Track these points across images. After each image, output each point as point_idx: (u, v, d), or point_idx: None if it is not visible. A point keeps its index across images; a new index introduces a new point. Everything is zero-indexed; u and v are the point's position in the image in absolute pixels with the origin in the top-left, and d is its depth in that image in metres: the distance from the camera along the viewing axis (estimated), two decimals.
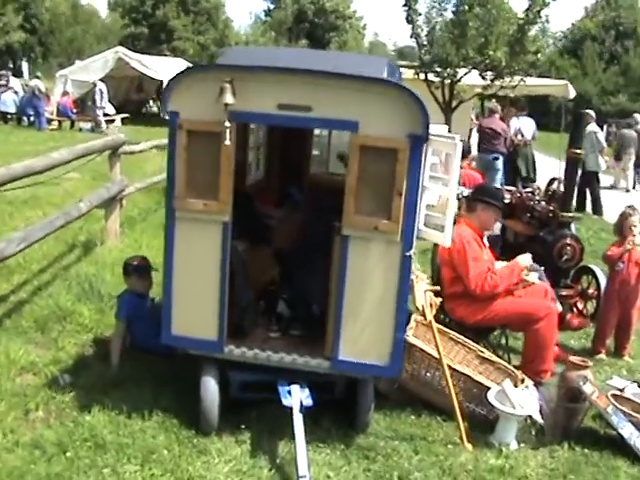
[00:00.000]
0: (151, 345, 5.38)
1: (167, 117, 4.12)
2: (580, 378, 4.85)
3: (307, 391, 4.35)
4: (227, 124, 3.93)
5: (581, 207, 14.29)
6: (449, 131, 9.99)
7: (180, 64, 25.53)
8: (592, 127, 14.57)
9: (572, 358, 5.19)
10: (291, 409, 4.23)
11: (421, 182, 4.03)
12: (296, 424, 4.15)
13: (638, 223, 6.31)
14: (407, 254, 4.06)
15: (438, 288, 4.51)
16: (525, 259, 5.69)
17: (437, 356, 4.84)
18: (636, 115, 17.40)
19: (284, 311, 4.89)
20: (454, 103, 10.76)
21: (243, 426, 4.49)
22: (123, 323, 5.40)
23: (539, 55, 10.48)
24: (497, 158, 12.70)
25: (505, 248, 7.50)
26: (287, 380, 4.44)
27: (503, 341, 6.06)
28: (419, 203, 4.06)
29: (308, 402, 4.28)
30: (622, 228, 6.39)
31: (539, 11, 9.81)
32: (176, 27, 38.13)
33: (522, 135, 13.35)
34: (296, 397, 4.28)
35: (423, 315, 4.37)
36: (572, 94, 14.51)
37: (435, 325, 4.40)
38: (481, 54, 9.97)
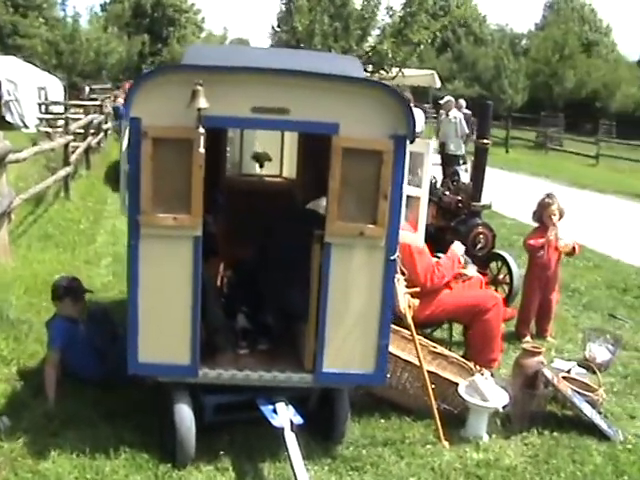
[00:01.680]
0: (88, 374, 4.98)
1: (128, 123, 3.76)
2: (539, 364, 4.97)
3: (292, 408, 4.15)
4: (201, 130, 3.65)
5: None
6: None
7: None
8: (454, 113, 15.13)
9: (524, 345, 5.32)
10: (282, 430, 4.01)
11: (405, 184, 3.93)
12: (290, 444, 3.94)
13: (557, 211, 6.54)
14: (392, 258, 3.95)
15: (418, 289, 4.44)
16: (459, 247, 5.77)
17: (402, 357, 4.81)
18: (461, 100, 17.93)
19: (245, 325, 4.65)
20: None
21: (222, 452, 4.22)
22: (57, 353, 4.91)
23: (421, 47, 10.67)
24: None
25: None
26: (265, 398, 4.22)
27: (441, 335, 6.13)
28: (403, 206, 3.95)
29: (298, 420, 4.09)
30: (542, 216, 6.60)
31: (421, 3, 9.99)
32: (17, 22, 35.92)
33: None
34: (284, 416, 4.07)
35: (404, 319, 4.28)
36: (438, 83, 14.98)
37: (414, 329, 4.32)
38: (363, 46, 10.00)
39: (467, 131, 15.01)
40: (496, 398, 4.68)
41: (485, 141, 7.24)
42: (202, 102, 3.60)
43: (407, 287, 4.31)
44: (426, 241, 7.56)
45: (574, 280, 8.93)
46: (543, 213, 6.59)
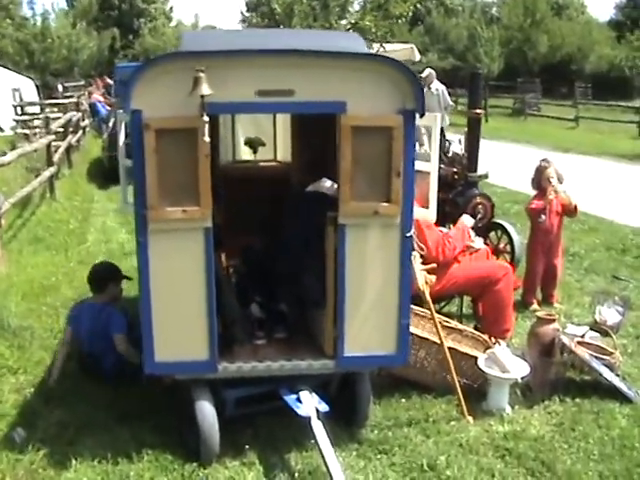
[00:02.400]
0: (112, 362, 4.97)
1: (129, 117, 3.65)
2: (555, 332, 4.93)
3: (316, 396, 4.07)
4: (205, 118, 3.54)
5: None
6: None
7: None
8: (436, 85, 14.97)
9: (538, 313, 5.27)
10: (308, 418, 3.93)
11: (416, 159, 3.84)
12: (317, 433, 3.87)
13: (554, 174, 6.49)
14: (407, 235, 3.87)
15: (435, 266, 4.36)
16: (468, 219, 5.70)
17: (419, 335, 4.75)
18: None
19: (259, 314, 4.56)
20: None
21: (247, 446, 4.14)
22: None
23: (401, 20, 10.53)
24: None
25: None
26: (287, 388, 4.14)
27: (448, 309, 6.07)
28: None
29: (324, 407, 4.02)
30: (540, 181, 6.54)
31: None
32: None
33: None
34: (309, 405, 3.99)
35: (423, 296, 4.21)
36: (417, 57, 14.85)
37: (431, 305, 4.25)
38: (344, 23, 9.86)
39: (450, 102, 14.89)
40: (516, 369, 4.64)
41: (478, 111, 7.17)
42: (205, 89, 3.49)
43: (423, 263, 4.23)
44: None
45: (573, 244, 8.91)
46: (541, 178, 6.54)
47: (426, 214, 4.11)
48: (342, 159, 3.71)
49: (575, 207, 6.57)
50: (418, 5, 10.66)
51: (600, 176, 14.98)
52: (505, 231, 7.48)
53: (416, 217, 4.54)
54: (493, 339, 5.12)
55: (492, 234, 7.68)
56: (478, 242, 5.77)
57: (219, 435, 4.01)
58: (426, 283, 4.19)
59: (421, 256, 4.18)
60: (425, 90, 13.45)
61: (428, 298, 4.20)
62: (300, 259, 4.23)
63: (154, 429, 4.37)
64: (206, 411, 3.98)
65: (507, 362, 4.61)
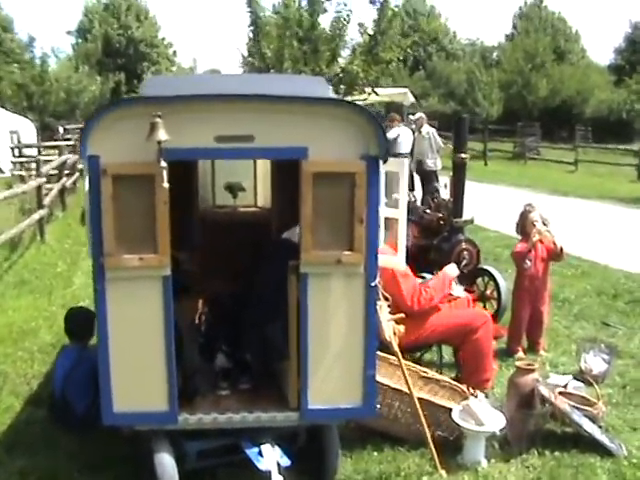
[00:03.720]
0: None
1: (85, 162, 3.58)
2: (534, 382, 4.79)
3: (279, 449, 3.94)
4: (163, 164, 3.47)
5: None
6: None
7: None
8: (427, 128, 15.01)
9: (518, 363, 5.13)
10: (269, 473, 3.79)
11: (382, 206, 3.76)
12: None
13: (539, 218, 6.41)
14: (372, 284, 3.77)
15: (402, 315, 4.25)
16: (452, 269, 5.58)
17: (392, 386, 4.62)
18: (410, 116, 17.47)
19: (225, 364, 4.44)
20: None
21: None
22: None
23: (393, 64, 10.55)
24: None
25: None
26: (250, 440, 4.00)
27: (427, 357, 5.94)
28: (380, 229, 3.78)
29: (285, 462, 3.89)
30: (524, 227, 6.46)
31: (390, 21, 9.89)
32: None
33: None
34: (271, 458, 3.86)
35: (387, 347, 4.09)
36: (411, 100, 14.91)
37: (400, 356, 4.12)
38: (333, 67, 9.88)
39: (442, 145, 14.90)
40: (492, 421, 4.49)
41: (463, 155, 7.13)
42: (162, 134, 3.42)
43: (391, 313, 4.12)
44: (410, 261, 7.49)
45: (563, 289, 8.78)
46: (525, 222, 6.46)
47: (395, 262, 4.00)
48: (303, 206, 3.63)
49: (561, 249, 6.45)
50: (412, 50, 10.65)
51: (597, 220, 14.89)
52: (492, 277, 7.38)
53: (389, 266, 4.47)
54: (471, 389, 4.97)
55: (479, 280, 7.58)
56: (458, 290, 5.66)
57: None
58: (394, 333, 4.07)
59: (388, 305, 4.07)
60: (416, 134, 13.57)
61: (396, 348, 4.08)
62: (268, 308, 4.13)
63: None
64: (165, 463, 3.86)
65: (482, 414, 4.47)
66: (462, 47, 51.97)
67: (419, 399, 4.64)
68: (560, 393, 5.01)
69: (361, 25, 10.04)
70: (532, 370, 4.93)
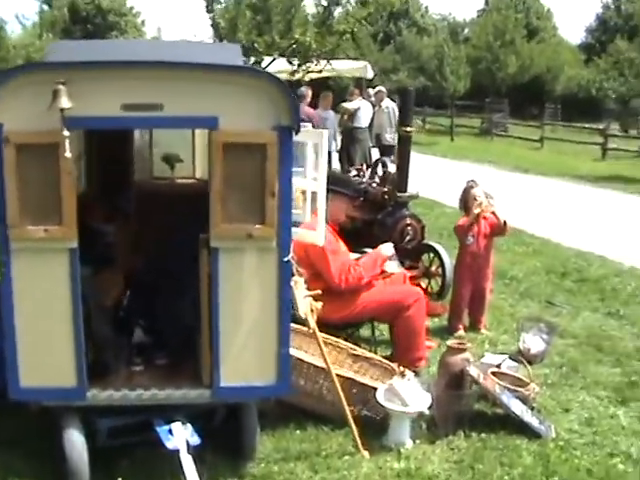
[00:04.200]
0: None
1: None
2: (464, 362, 4.70)
3: (190, 427, 3.82)
4: (66, 133, 3.29)
5: None
6: None
7: None
8: (387, 102, 14.87)
9: (449, 342, 5.05)
10: (177, 452, 3.67)
11: (292, 179, 3.62)
12: (186, 467, 3.62)
13: (481, 194, 6.31)
14: (285, 260, 3.63)
15: (319, 292, 4.12)
16: (387, 249, 5.46)
17: (316, 364, 4.50)
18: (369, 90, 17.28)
19: (143, 339, 4.30)
20: None
21: (120, 478, 3.85)
22: None
23: (346, 36, 10.35)
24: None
25: (342, 236, 7.27)
26: (164, 417, 3.88)
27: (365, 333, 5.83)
28: (293, 202, 3.64)
29: (195, 440, 3.77)
30: (467, 202, 6.36)
31: None
32: None
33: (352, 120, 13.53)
34: (180, 437, 3.74)
35: (305, 324, 3.97)
36: (370, 74, 14.74)
37: (318, 333, 4.00)
38: (287, 39, 9.66)
39: None
40: (417, 401, 4.39)
41: (408, 129, 6.97)
42: (64, 102, 3.24)
43: (308, 289, 3.98)
44: (354, 236, 7.36)
45: (512, 267, 8.74)
46: (467, 198, 6.36)
47: (313, 237, 3.87)
48: (213, 178, 3.49)
49: (504, 223, 6.35)
50: (368, 22, 10.47)
51: (555, 198, 14.92)
52: (437, 253, 7.28)
53: (307, 241, 4.33)
54: (401, 368, 4.86)
55: (425, 256, 7.49)
56: (392, 266, 5.54)
57: (89, 466, 3.74)
58: (312, 310, 3.94)
59: (305, 281, 3.94)
60: (376, 108, 13.42)
61: (313, 325, 3.95)
62: (178, 281, 4.00)
63: (25, 456, 4.08)
64: (75, 441, 3.72)
65: (406, 394, 4.37)
66: (434, 22, 51.73)
67: (345, 377, 4.56)
68: (493, 373, 4.92)
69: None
70: (463, 349, 4.85)
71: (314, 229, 4.23)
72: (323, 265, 5.03)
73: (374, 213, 7.24)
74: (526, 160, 21.39)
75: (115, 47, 5.03)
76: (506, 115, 32.29)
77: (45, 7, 45.66)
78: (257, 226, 3.54)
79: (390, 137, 14.18)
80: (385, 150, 14.09)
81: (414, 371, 5.15)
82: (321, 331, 4.95)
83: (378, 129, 14.46)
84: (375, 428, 4.50)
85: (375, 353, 5.48)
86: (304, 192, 4.25)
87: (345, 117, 13.99)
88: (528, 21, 43.81)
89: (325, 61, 10.45)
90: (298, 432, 4.48)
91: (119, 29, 46.39)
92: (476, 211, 6.23)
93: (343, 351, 4.98)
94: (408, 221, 6.96)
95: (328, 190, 5.22)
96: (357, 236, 7.29)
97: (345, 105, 14.10)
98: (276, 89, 3.44)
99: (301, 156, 3.97)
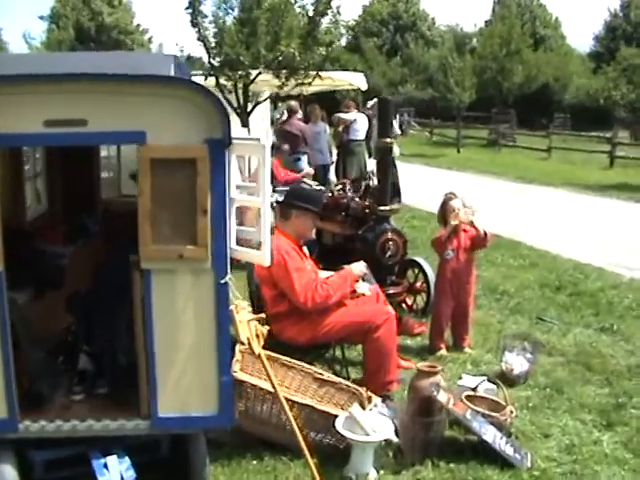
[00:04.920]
0: None
1: None
2: (433, 387, 4.42)
3: (127, 460, 3.60)
4: None
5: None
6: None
7: None
8: None
9: (419, 365, 4.78)
10: None
11: (228, 194, 3.38)
12: None
13: (460, 206, 6.04)
14: (222, 282, 3.39)
15: (263, 315, 3.87)
16: (358, 267, 5.20)
17: (271, 391, 4.24)
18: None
19: (87, 366, 4.07)
20: (249, 106, 10.19)
21: None
22: None
23: (333, 47, 10.12)
24: (299, 159, 12.45)
25: (323, 253, 7.04)
26: (102, 449, 3.66)
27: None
28: (229, 220, 3.40)
29: (130, 475, 3.55)
30: (445, 215, 6.09)
31: (329, 1, 9.46)
32: None
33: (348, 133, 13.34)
34: (115, 471, 3.51)
35: (250, 349, 3.71)
36: (365, 86, 14.52)
37: (264, 359, 3.75)
38: (272, 51, 9.46)
39: (398, 132, 14.58)
40: (379, 430, 4.13)
41: (387, 140, 6.73)
42: None
43: (253, 313, 3.74)
44: (337, 252, 7.12)
45: (505, 281, 8.46)
46: (445, 211, 6.09)
47: (258, 257, 3.62)
48: (141, 196, 3.26)
49: (485, 234, 6.07)
50: (354, 31, 10.20)
51: (558, 208, 14.62)
52: (421, 269, 7.03)
53: (252, 261, 4.10)
54: (368, 394, 4.60)
55: (410, 272, 7.25)
56: (363, 286, 5.28)
57: None
58: (257, 335, 3.68)
59: (249, 305, 3.69)
60: (373, 120, 13.11)
61: (257, 351, 3.68)
62: (113, 305, 3.78)
63: None
64: (7, 474, 3.51)
65: (367, 423, 4.10)
66: (441, 34, 51.50)
67: (304, 405, 4.30)
68: (468, 397, 4.66)
69: (302, 7, 9.63)
70: (434, 373, 4.58)
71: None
72: (287, 284, 4.79)
73: (356, 228, 7.00)
74: (532, 170, 21.08)
75: (38, 60, 4.84)
76: (513, 125, 31.94)
77: (53, 26, 45.93)
78: (189, 247, 3.31)
79: None
80: None
81: (386, 395, 4.92)
82: (287, 354, 4.74)
83: (375, 142, 14.22)
84: (338, 458, 4.23)
85: (347, 376, 5.23)
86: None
87: (340, 129, 13.77)
88: (535, 30, 43.53)
89: (314, 73, 10.22)
90: (255, 462, 4.23)
91: (125, 47, 46.63)
92: (453, 223, 5.97)
93: (308, 375, 4.72)
94: (389, 236, 6.69)
95: (293, 206, 5.06)
96: (339, 252, 7.07)
97: (340, 115, 13.89)
98: (207, 101, 3.22)
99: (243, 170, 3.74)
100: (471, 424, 4.34)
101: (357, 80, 14.31)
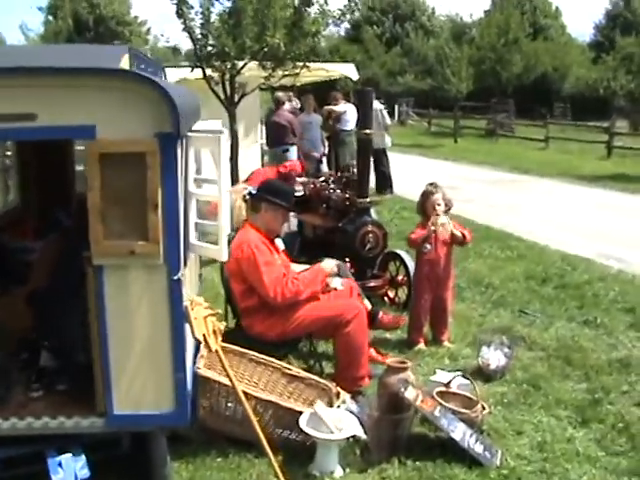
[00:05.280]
0: None
1: None
2: (401, 383, 4.35)
3: (83, 459, 3.56)
4: None
5: (383, 187, 14.27)
6: (232, 126, 9.34)
7: None
8: (376, 105, 14.52)
9: (389, 360, 4.72)
10: None
11: (182, 189, 3.32)
12: None
13: (441, 201, 5.94)
14: (175, 278, 3.34)
15: (219, 311, 3.81)
16: (329, 264, 5.14)
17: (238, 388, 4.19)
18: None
19: (48, 363, 4.02)
20: (236, 97, 10.09)
21: None
22: None
23: (319, 37, 10.01)
24: (287, 150, 12.37)
25: (305, 245, 6.99)
26: (59, 447, 3.61)
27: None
28: (181, 214, 3.34)
29: (84, 474, 3.51)
30: (425, 207, 5.99)
31: None
32: None
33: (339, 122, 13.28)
34: (69, 470, 3.47)
35: (206, 345, 3.65)
36: (355, 76, 14.42)
37: (222, 355, 3.69)
38: (259, 42, 9.35)
39: (389, 122, 14.48)
40: (343, 427, 4.07)
41: (367, 131, 6.64)
42: None
43: (208, 308, 3.66)
44: (318, 245, 7.06)
45: (491, 274, 8.35)
46: (426, 203, 5.98)
47: (214, 252, 3.56)
48: (90, 192, 3.20)
49: (463, 236, 5.99)
50: (342, 20, 10.11)
51: (551, 198, 14.53)
52: (402, 261, 6.95)
53: (208, 256, 4.04)
54: (337, 389, 4.55)
55: (392, 265, 7.18)
56: (336, 281, 5.22)
57: None
58: (214, 331, 3.62)
59: (206, 300, 3.62)
60: None
61: (214, 347, 3.62)
62: (65, 301, 3.73)
63: None
64: None
65: (331, 420, 4.05)
66: (441, 24, 51.18)
67: (268, 402, 4.25)
68: (440, 393, 4.60)
69: (283, 3, 9.49)
70: (403, 369, 4.52)
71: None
72: (256, 278, 4.72)
73: (337, 220, 6.94)
74: (528, 160, 20.96)
75: None
76: (511, 115, 31.76)
77: (50, 18, 45.75)
78: (140, 242, 3.25)
79: (378, 140, 13.86)
80: (376, 155, 13.77)
81: (357, 390, 4.87)
82: (256, 349, 4.69)
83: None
84: (304, 455, 4.18)
85: (321, 371, 5.18)
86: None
87: (330, 120, 13.69)
88: (535, 20, 43.23)
89: (302, 64, 10.11)
90: (219, 459, 4.17)
91: (123, 38, 46.45)
92: (432, 229, 5.86)
93: (277, 371, 4.66)
94: (369, 228, 6.63)
95: (263, 199, 4.99)
96: (321, 245, 7.02)
97: (331, 107, 13.82)
98: (156, 93, 3.16)
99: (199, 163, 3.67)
100: (439, 421, 4.28)
101: (348, 71, 14.22)
